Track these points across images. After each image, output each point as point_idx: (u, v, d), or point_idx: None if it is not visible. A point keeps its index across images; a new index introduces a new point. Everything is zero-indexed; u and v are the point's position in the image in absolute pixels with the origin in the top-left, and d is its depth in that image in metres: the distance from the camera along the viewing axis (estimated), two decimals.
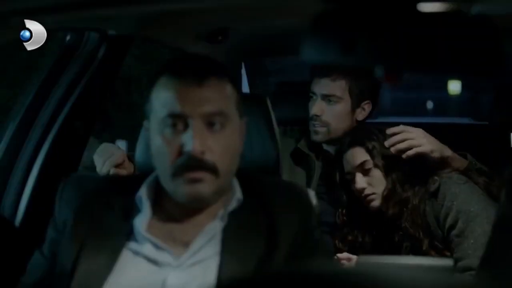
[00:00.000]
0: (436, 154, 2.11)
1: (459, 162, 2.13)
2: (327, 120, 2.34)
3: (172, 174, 1.40)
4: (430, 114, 10.23)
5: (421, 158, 2.11)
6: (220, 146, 1.40)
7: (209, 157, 1.39)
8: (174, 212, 1.47)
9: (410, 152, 2.10)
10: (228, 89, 1.44)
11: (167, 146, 1.40)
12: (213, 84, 1.41)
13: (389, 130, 2.15)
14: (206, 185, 1.40)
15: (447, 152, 2.13)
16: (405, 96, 9.66)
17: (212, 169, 1.39)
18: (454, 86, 8.88)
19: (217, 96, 1.41)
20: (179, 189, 1.41)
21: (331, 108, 2.33)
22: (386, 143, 2.13)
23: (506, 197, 1.08)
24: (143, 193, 1.47)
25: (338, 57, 1.10)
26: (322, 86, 2.34)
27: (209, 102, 1.40)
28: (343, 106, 2.33)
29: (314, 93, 2.36)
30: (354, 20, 1.09)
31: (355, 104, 2.34)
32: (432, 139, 2.14)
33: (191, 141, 1.37)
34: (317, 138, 2.37)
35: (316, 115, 2.34)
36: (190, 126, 1.39)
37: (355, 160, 2.14)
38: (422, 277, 0.56)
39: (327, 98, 2.33)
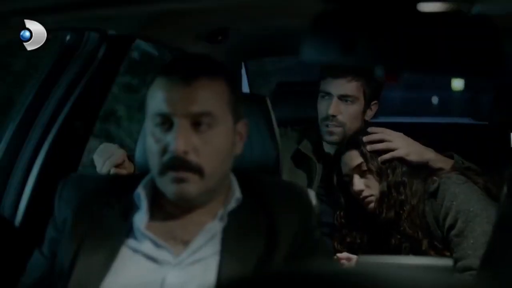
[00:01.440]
0: (413, 158, 2.12)
1: (444, 163, 2.13)
2: (343, 121, 2.32)
3: (159, 172, 1.41)
4: (430, 114, 10.23)
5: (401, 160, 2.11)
6: (207, 147, 1.40)
7: (193, 157, 1.38)
8: (173, 210, 1.47)
9: (385, 156, 2.11)
10: (220, 89, 1.43)
11: (156, 145, 1.41)
12: (202, 84, 1.41)
13: (371, 129, 2.16)
14: (191, 186, 1.40)
15: (428, 155, 2.13)
16: (405, 96, 9.67)
17: (197, 170, 1.39)
18: (458, 83, 8.89)
19: (205, 96, 1.41)
20: (167, 187, 1.42)
21: (347, 108, 2.32)
22: (364, 139, 2.13)
23: (506, 197, 1.08)
24: (141, 190, 1.47)
25: (338, 57, 1.10)
26: (339, 86, 2.31)
27: (196, 102, 1.39)
28: (357, 106, 2.32)
29: (327, 93, 2.33)
30: (354, 20, 1.09)
31: (367, 105, 2.34)
32: (411, 142, 2.15)
33: (174, 141, 1.38)
34: (332, 138, 2.35)
35: (333, 116, 2.32)
36: (174, 126, 1.39)
37: (352, 162, 2.14)
38: (422, 277, 0.56)
39: (344, 98, 2.31)
